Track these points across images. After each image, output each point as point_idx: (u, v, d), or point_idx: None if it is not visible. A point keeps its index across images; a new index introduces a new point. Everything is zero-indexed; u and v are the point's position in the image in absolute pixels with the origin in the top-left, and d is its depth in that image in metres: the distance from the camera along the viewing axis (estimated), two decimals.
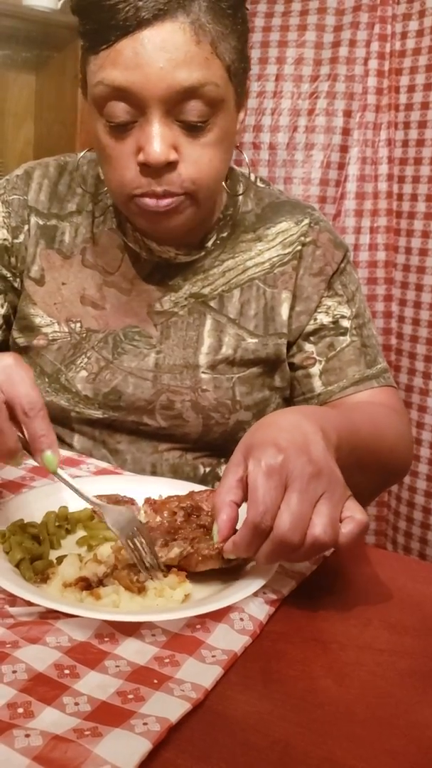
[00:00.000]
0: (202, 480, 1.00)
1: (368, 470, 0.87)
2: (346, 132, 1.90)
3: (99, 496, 0.80)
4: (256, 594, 0.66)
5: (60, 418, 1.01)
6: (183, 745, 0.50)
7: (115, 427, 1.00)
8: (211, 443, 1.00)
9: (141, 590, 0.65)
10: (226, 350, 0.99)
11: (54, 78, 2.38)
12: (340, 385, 1.00)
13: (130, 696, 0.53)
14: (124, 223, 1.01)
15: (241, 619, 0.63)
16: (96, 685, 0.54)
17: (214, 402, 0.98)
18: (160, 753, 0.49)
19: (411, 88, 1.82)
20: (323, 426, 0.69)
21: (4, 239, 1.03)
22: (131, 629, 0.61)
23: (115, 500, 0.80)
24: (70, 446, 1.02)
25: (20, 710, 0.51)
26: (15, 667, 0.55)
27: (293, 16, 1.90)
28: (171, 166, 0.85)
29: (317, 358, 1.01)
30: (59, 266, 1.02)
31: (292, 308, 1.01)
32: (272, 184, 1.10)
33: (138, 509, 0.80)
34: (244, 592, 0.64)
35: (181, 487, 0.81)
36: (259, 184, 1.07)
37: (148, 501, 0.75)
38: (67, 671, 0.55)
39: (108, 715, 0.51)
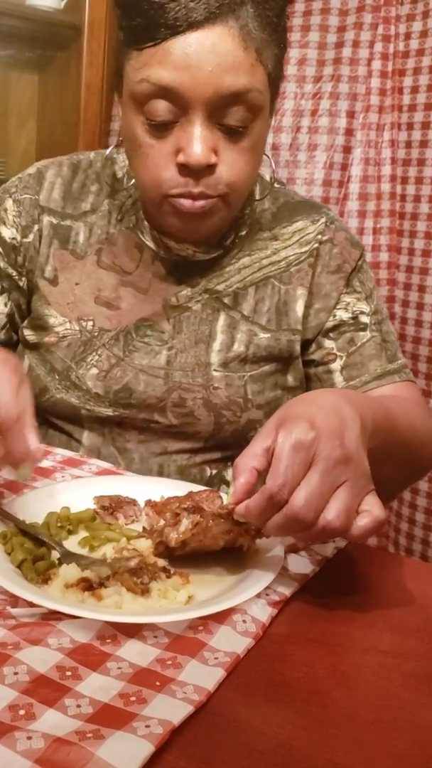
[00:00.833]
0: (208, 482, 1.00)
1: (398, 461, 0.87)
2: (349, 133, 1.90)
3: (101, 497, 0.80)
4: (258, 596, 0.66)
5: (70, 416, 1.00)
6: (185, 748, 0.49)
7: (125, 424, 1.00)
8: (222, 442, 1.00)
9: (144, 592, 0.65)
10: (238, 347, 0.99)
11: (57, 78, 2.38)
12: (362, 379, 1.00)
13: (132, 698, 0.53)
14: (142, 221, 1.01)
15: (244, 621, 0.63)
16: (98, 687, 0.54)
17: (225, 400, 0.98)
18: (163, 756, 0.48)
19: (414, 89, 1.82)
20: (362, 412, 0.70)
21: (13, 238, 1.02)
22: (133, 631, 0.60)
23: (117, 501, 0.79)
24: (79, 443, 1.01)
25: (22, 712, 0.50)
26: (17, 668, 0.55)
27: (296, 17, 1.90)
28: (210, 168, 0.85)
29: (338, 353, 1.01)
30: (72, 266, 1.01)
31: (308, 305, 1.02)
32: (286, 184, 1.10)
33: (140, 510, 0.80)
34: (247, 593, 0.64)
35: (182, 488, 0.81)
36: (274, 184, 1.07)
37: (149, 503, 0.75)
38: (68, 673, 0.55)
39: (110, 717, 0.50)
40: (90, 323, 1.00)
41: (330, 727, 0.53)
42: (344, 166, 1.90)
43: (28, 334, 1.03)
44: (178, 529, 0.68)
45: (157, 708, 0.52)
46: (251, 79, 0.82)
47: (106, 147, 1.15)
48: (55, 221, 1.02)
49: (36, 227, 1.02)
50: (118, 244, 1.02)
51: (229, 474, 1.02)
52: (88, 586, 0.65)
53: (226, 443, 1.00)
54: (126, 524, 0.78)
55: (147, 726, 0.49)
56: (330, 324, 1.02)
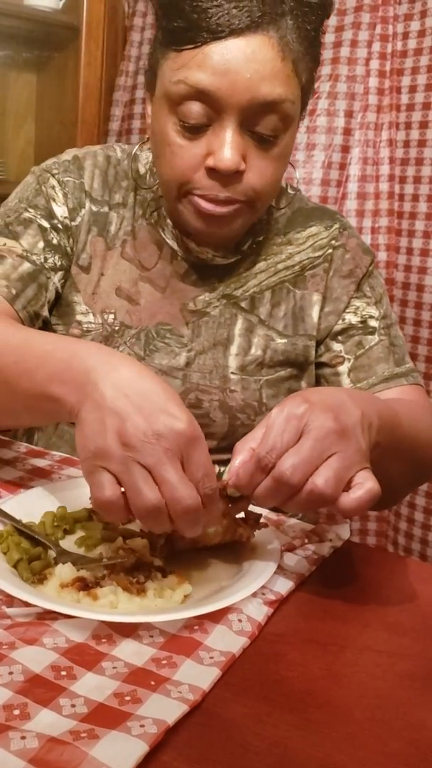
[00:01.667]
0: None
1: (405, 459, 0.87)
2: (347, 132, 1.90)
3: None
4: (254, 595, 0.66)
5: None
6: (180, 748, 0.49)
7: None
8: (234, 444, 1.00)
9: (140, 591, 0.65)
10: (256, 351, 1.00)
11: (55, 78, 2.37)
12: (370, 382, 1.00)
13: (127, 698, 0.53)
14: (164, 219, 1.01)
15: (240, 621, 0.63)
16: (93, 686, 0.54)
17: (241, 403, 0.99)
18: (157, 755, 0.48)
19: (412, 89, 1.82)
20: (365, 408, 0.71)
21: (65, 217, 1.00)
22: (129, 630, 0.60)
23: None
24: None
25: (16, 712, 0.50)
26: (11, 668, 0.55)
27: None
28: (237, 175, 0.86)
29: (346, 356, 1.02)
30: (101, 255, 1.01)
31: (321, 309, 1.03)
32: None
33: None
34: (243, 593, 0.64)
35: None
36: (288, 190, 1.09)
37: None
38: (63, 672, 0.55)
39: (105, 717, 0.50)
40: (111, 316, 0.99)
41: (325, 726, 0.53)
42: (342, 166, 1.90)
43: (55, 323, 1.02)
44: None
45: (152, 708, 0.52)
46: (286, 90, 0.83)
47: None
48: (95, 208, 1.01)
49: (83, 211, 1.01)
50: (140, 239, 1.02)
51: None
52: (83, 585, 0.65)
53: None
54: (122, 524, 0.78)
55: (142, 726, 0.49)
56: (339, 327, 1.03)
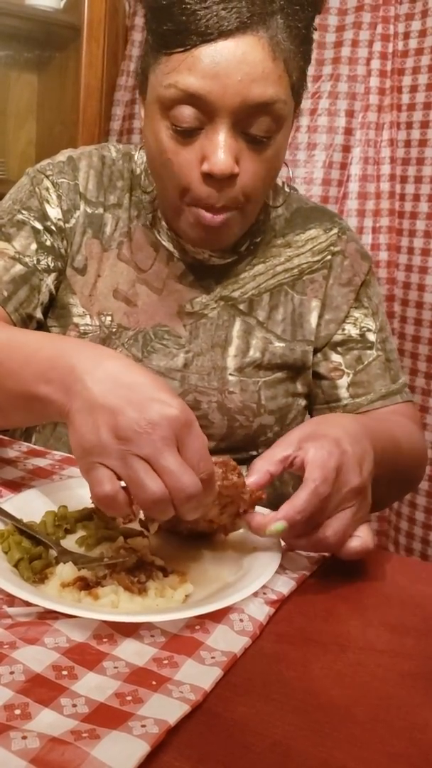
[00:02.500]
0: None
1: (394, 483, 0.90)
2: (348, 132, 1.90)
3: None
4: (256, 594, 0.66)
5: None
6: (181, 748, 0.49)
7: None
8: (233, 445, 1.01)
9: (141, 591, 0.64)
10: (254, 353, 1.00)
11: (56, 78, 2.37)
12: (368, 398, 1.02)
13: (129, 698, 0.53)
14: (159, 221, 1.00)
15: (241, 620, 0.63)
16: (94, 686, 0.54)
17: (239, 404, 0.99)
18: (159, 756, 0.48)
19: (413, 88, 1.82)
20: (374, 444, 0.74)
21: (59, 219, 1.00)
22: (130, 630, 0.60)
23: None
24: None
25: (17, 712, 0.50)
26: (12, 668, 0.55)
27: None
28: (232, 178, 0.85)
29: (346, 370, 1.03)
30: (98, 257, 1.01)
31: (320, 316, 1.03)
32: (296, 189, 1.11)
33: (137, 508, 0.80)
34: (244, 592, 0.64)
35: None
36: (286, 189, 1.08)
37: None
38: (65, 672, 0.55)
39: (106, 717, 0.50)
40: (108, 318, 0.99)
41: (327, 726, 0.53)
42: (343, 165, 1.90)
43: (52, 325, 1.02)
44: None
45: (154, 708, 0.52)
46: (278, 90, 0.83)
47: None
48: (89, 210, 1.01)
49: (77, 213, 1.01)
50: (135, 240, 1.01)
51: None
52: (84, 585, 0.65)
53: (236, 447, 1.01)
54: (123, 523, 0.78)
55: (143, 726, 0.49)
56: (338, 338, 1.03)
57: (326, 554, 0.76)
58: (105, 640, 0.59)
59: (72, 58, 2.27)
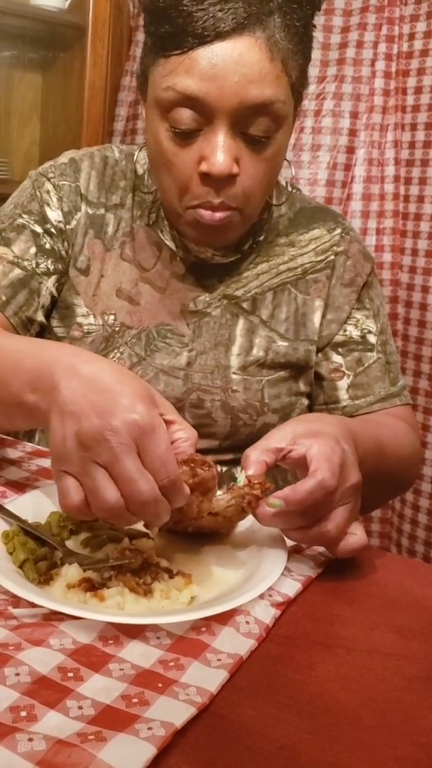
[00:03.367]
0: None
1: (380, 486, 0.91)
2: (352, 133, 1.90)
3: None
4: (261, 597, 0.65)
5: None
6: (188, 751, 0.49)
7: None
8: (236, 444, 1.01)
9: (147, 592, 0.64)
10: (257, 352, 1.00)
11: (60, 78, 2.38)
12: (368, 400, 1.03)
13: (135, 700, 0.52)
14: (162, 220, 1.01)
15: (247, 623, 0.63)
16: (100, 688, 0.53)
17: (243, 403, 0.99)
18: (165, 758, 0.48)
19: (418, 90, 1.82)
20: (359, 451, 0.76)
21: (59, 221, 1.00)
22: (136, 631, 0.60)
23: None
24: None
25: (23, 714, 0.50)
26: (18, 669, 0.54)
27: None
28: (231, 179, 0.85)
29: (346, 371, 1.03)
30: (100, 258, 1.01)
31: (323, 316, 1.03)
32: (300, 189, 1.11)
33: None
34: (250, 594, 0.64)
35: None
36: (289, 188, 1.08)
37: None
38: (70, 674, 0.55)
39: (112, 719, 0.50)
40: (112, 317, 0.99)
41: (333, 729, 0.53)
42: (348, 167, 1.90)
43: (56, 326, 1.02)
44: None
45: (160, 710, 0.51)
46: (276, 90, 0.82)
47: None
48: (90, 211, 1.01)
49: (78, 215, 1.01)
50: (138, 240, 1.02)
51: (237, 470, 1.03)
52: (90, 586, 0.64)
53: (240, 445, 1.01)
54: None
55: (149, 728, 0.49)
56: (340, 338, 1.04)
57: (331, 556, 0.76)
58: (111, 641, 0.59)
59: (76, 59, 2.27)
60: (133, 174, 1.04)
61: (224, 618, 0.62)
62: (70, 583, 0.65)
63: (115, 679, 0.55)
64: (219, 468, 1.02)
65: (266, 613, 0.64)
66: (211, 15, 0.79)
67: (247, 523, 0.77)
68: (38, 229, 0.99)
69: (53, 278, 1.00)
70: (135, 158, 1.04)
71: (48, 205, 1.00)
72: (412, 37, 1.82)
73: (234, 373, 0.99)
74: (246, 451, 0.72)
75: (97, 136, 2.25)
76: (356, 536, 0.72)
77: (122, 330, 0.99)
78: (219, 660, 0.58)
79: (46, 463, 0.93)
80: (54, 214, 1.00)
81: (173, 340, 0.99)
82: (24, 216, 1.00)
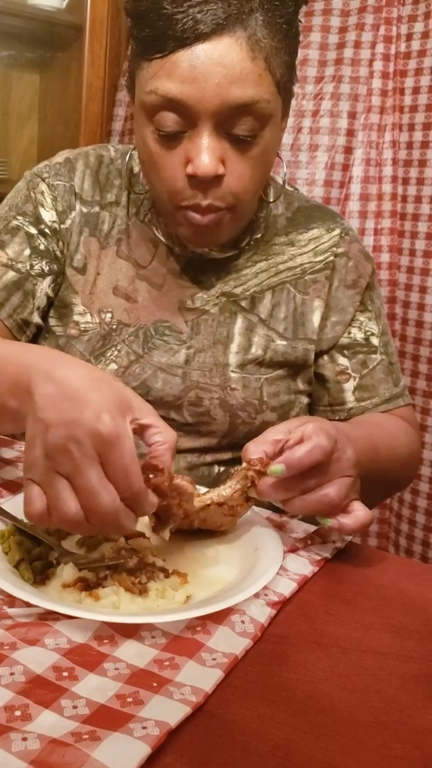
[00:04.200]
0: (215, 480, 1.01)
1: (375, 486, 0.91)
2: (350, 133, 1.89)
3: None
4: (257, 596, 0.65)
5: None
6: (182, 750, 0.49)
7: None
8: (235, 442, 1.01)
9: (142, 592, 0.64)
10: (256, 350, 1.00)
11: (58, 78, 2.37)
12: (373, 402, 1.04)
13: (129, 699, 0.52)
14: (157, 217, 1.01)
15: (242, 622, 0.63)
16: (95, 687, 0.53)
17: (241, 401, 0.99)
18: (159, 758, 0.48)
19: (416, 90, 1.81)
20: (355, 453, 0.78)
21: (54, 221, 1.01)
22: (131, 631, 0.60)
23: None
24: None
25: (18, 713, 0.50)
26: (13, 669, 0.54)
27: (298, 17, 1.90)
28: (217, 179, 0.85)
29: (352, 374, 1.04)
30: (97, 255, 1.01)
31: (325, 317, 1.04)
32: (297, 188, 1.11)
33: None
34: (245, 594, 0.64)
35: None
36: (287, 187, 1.08)
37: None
38: (65, 673, 0.55)
39: (107, 718, 0.50)
40: (109, 315, 1.00)
41: (328, 729, 0.53)
42: (345, 167, 1.90)
43: (55, 325, 1.02)
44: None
45: (154, 709, 0.51)
46: (259, 90, 0.82)
47: None
48: (85, 210, 1.02)
49: (72, 214, 1.01)
50: (134, 237, 1.02)
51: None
52: (85, 586, 0.64)
53: (238, 443, 1.01)
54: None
55: (144, 728, 0.49)
56: (345, 341, 1.04)
57: (327, 556, 0.76)
58: (106, 641, 0.59)
59: (74, 58, 2.27)
60: (129, 172, 1.04)
61: (219, 617, 0.62)
62: (65, 583, 0.65)
63: (110, 679, 0.55)
64: (218, 469, 1.02)
65: (261, 613, 0.64)
66: (190, 17, 0.79)
67: (244, 522, 0.77)
68: (33, 230, 1.00)
69: (48, 279, 1.00)
70: (128, 156, 1.05)
71: (42, 205, 1.00)
72: (409, 37, 1.82)
73: (232, 371, 0.99)
74: (246, 445, 0.74)
75: (95, 135, 2.24)
76: (361, 512, 0.75)
77: (120, 328, 0.99)
78: (214, 659, 0.58)
79: None
80: (48, 215, 1.00)
81: (171, 338, 0.99)
82: (18, 218, 1.00)
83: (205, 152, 0.83)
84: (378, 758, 0.50)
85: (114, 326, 0.99)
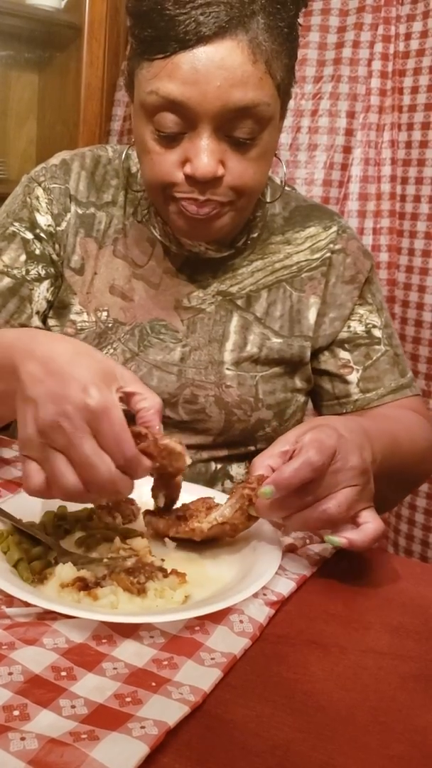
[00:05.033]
0: (212, 477, 1.01)
1: (395, 481, 0.91)
2: (349, 133, 1.89)
3: None
4: (256, 596, 0.65)
5: None
6: (181, 750, 0.49)
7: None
8: (231, 439, 1.01)
9: (141, 591, 0.64)
10: (251, 348, 1.00)
11: (57, 77, 2.37)
12: (379, 392, 1.03)
13: (128, 699, 0.52)
14: (154, 216, 1.01)
15: (241, 622, 0.62)
16: (93, 687, 0.53)
17: (237, 399, 0.99)
18: (158, 757, 0.48)
19: (414, 90, 1.81)
20: (373, 444, 0.76)
21: (49, 225, 1.01)
22: (129, 631, 0.60)
23: (115, 500, 0.79)
24: None
25: (16, 713, 0.50)
26: (11, 668, 0.54)
27: None
28: (217, 180, 0.85)
29: (355, 366, 1.03)
30: (94, 255, 1.02)
31: (321, 314, 1.03)
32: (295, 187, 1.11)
33: (138, 509, 0.80)
34: (244, 593, 0.64)
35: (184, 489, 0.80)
36: (286, 188, 1.08)
37: (148, 513, 0.75)
38: (63, 673, 0.54)
39: (105, 718, 0.50)
40: (105, 313, 1.00)
41: (327, 728, 0.53)
42: (344, 166, 1.90)
43: (53, 325, 1.03)
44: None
45: (153, 709, 0.51)
46: (259, 93, 0.82)
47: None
48: (80, 211, 1.02)
49: (67, 216, 1.02)
50: (131, 236, 1.02)
51: (233, 469, 1.03)
52: (84, 585, 0.64)
53: (234, 441, 1.01)
54: (123, 524, 0.78)
55: (142, 727, 0.49)
56: (344, 335, 1.04)
57: (326, 555, 0.76)
58: (104, 640, 0.59)
59: (73, 58, 2.27)
60: (126, 172, 1.05)
61: (218, 617, 0.62)
62: (63, 583, 0.65)
63: (109, 678, 0.54)
64: (215, 466, 1.02)
65: (260, 612, 0.64)
66: (193, 19, 0.79)
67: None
68: (28, 235, 1.00)
69: (46, 283, 1.01)
70: (124, 155, 1.05)
71: (37, 210, 1.01)
72: (408, 36, 1.82)
73: (228, 368, 0.99)
74: (253, 460, 0.73)
75: (94, 135, 2.24)
76: (371, 524, 0.72)
77: (115, 326, 0.99)
78: (213, 659, 0.58)
79: None
80: (43, 219, 1.01)
81: (167, 336, 0.99)
82: (15, 224, 1.01)
83: (205, 154, 0.83)
84: (377, 758, 0.50)
85: (110, 324, 0.99)
